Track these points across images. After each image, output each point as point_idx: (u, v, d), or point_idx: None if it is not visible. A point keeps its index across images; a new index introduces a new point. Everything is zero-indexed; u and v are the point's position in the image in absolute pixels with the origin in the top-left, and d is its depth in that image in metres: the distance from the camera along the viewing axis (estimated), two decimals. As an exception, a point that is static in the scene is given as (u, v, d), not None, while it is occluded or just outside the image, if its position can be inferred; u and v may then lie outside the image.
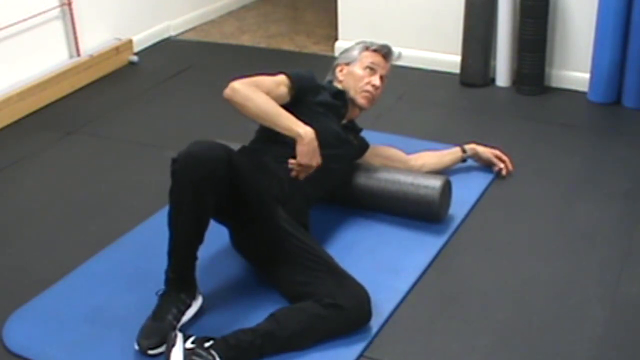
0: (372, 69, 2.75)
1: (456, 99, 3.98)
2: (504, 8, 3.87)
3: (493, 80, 4.05)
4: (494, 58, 4.02)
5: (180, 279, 2.22)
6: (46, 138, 3.58)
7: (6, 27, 3.77)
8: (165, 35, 4.92)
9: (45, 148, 3.50)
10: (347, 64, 2.79)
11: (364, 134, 2.88)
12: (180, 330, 2.14)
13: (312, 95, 2.63)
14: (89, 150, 3.49)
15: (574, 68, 3.92)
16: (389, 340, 2.20)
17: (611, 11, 3.61)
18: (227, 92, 2.44)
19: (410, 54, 4.07)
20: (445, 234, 2.70)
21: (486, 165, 3.11)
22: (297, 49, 4.74)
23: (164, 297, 2.21)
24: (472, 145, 3.09)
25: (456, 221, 2.77)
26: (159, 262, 2.23)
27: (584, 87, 3.87)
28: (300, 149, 2.37)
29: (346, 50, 2.86)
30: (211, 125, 3.63)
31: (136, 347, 2.14)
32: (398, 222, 2.75)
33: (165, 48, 4.79)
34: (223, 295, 2.39)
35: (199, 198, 2.13)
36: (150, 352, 2.11)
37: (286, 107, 2.48)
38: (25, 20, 3.87)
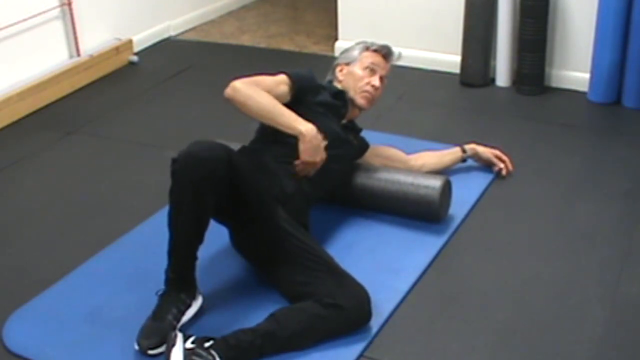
0: (372, 70, 2.75)
1: (456, 99, 3.98)
2: (504, 8, 3.87)
3: (493, 80, 4.05)
4: (494, 58, 4.02)
5: (180, 279, 2.22)
6: (46, 138, 3.58)
7: (6, 27, 3.77)
8: (165, 35, 4.92)
9: (45, 148, 3.50)
10: (347, 64, 2.79)
11: (364, 134, 2.88)
12: (180, 330, 2.14)
13: (312, 95, 2.63)
14: (89, 150, 3.49)
15: (574, 68, 3.92)
16: (389, 340, 2.20)
17: (611, 11, 3.61)
18: (228, 91, 2.45)
19: (410, 54, 4.07)
20: (445, 234, 2.70)
21: (486, 165, 3.11)
22: (297, 49, 4.74)
23: (164, 297, 2.21)
24: (472, 145, 3.09)
25: (456, 221, 2.77)
26: (159, 262, 2.23)
27: (584, 87, 3.87)
28: (302, 147, 2.38)
29: (346, 50, 2.86)
30: (211, 125, 3.63)
31: (136, 347, 2.14)
32: (398, 222, 2.75)
33: (165, 48, 4.79)
34: (223, 295, 2.39)
35: (199, 198, 2.13)
36: (150, 352, 2.11)
37: (286, 106, 2.48)
38: (25, 20, 3.87)
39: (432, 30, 4.18)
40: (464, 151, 3.07)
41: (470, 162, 3.11)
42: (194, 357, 1.99)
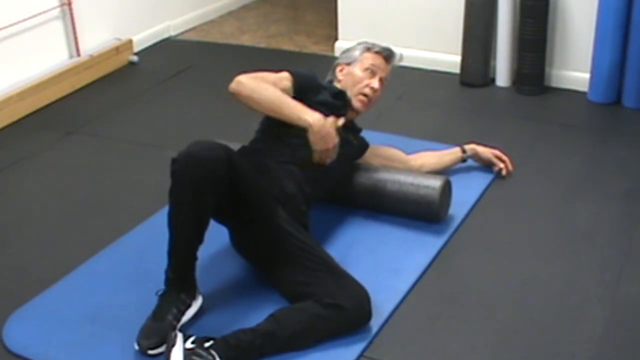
0: (372, 71, 2.74)
1: (456, 99, 3.98)
2: (504, 8, 3.87)
3: (493, 80, 4.05)
4: (494, 58, 4.02)
5: (180, 279, 2.22)
6: (46, 138, 3.58)
7: (6, 27, 3.77)
8: (165, 35, 4.92)
9: (45, 148, 3.50)
10: (348, 64, 2.79)
11: (364, 134, 2.88)
12: (180, 330, 2.14)
13: (313, 94, 2.63)
14: (89, 150, 3.49)
15: (574, 68, 3.92)
16: (389, 340, 2.20)
17: (611, 11, 3.61)
18: (233, 85, 2.44)
19: (410, 54, 4.06)
20: (445, 234, 2.70)
21: (486, 165, 3.11)
22: (297, 49, 4.74)
23: (164, 297, 2.21)
24: (472, 146, 3.09)
25: (456, 221, 2.77)
26: (159, 262, 2.23)
27: (584, 87, 3.87)
28: (312, 137, 2.37)
29: (347, 50, 2.86)
30: (211, 125, 3.63)
31: (136, 347, 2.14)
32: (398, 222, 2.75)
33: (165, 48, 4.79)
34: (223, 295, 2.39)
35: (199, 198, 2.13)
36: (150, 352, 2.11)
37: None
38: (25, 20, 3.87)
39: (432, 30, 4.18)
40: (463, 151, 3.07)
41: (470, 162, 3.11)
42: (194, 357, 1.99)
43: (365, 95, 2.71)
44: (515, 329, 2.25)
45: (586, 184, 3.06)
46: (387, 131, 3.37)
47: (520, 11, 3.82)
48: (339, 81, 2.77)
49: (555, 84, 3.99)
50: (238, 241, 2.47)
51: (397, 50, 2.85)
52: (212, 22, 5.31)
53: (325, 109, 2.63)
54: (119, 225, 2.79)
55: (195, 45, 4.87)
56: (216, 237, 2.42)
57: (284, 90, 2.52)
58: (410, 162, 2.95)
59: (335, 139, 2.40)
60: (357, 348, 2.16)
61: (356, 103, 2.72)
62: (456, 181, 2.82)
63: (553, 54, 3.95)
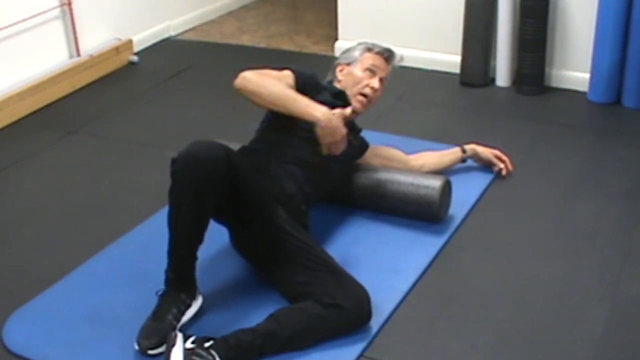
0: (372, 71, 2.74)
1: (456, 99, 3.98)
2: (504, 8, 3.87)
3: (493, 80, 4.05)
4: (494, 58, 4.02)
5: (180, 279, 2.22)
6: (46, 138, 3.59)
7: (6, 27, 3.77)
8: (165, 35, 4.92)
9: (45, 148, 3.50)
10: (348, 64, 2.79)
11: (364, 134, 2.88)
12: (180, 330, 2.14)
13: (313, 94, 2.62)
14: (89, 150, 3.49)
15: (574, 68, 3.93)
16: (389, 340, 2.20)
17: (611, 11, 3.61)
18: (239, 81, 2.42)
19: (410, 54, 4.05)
20: (445, 234, 2.70)
21: (486, 166, 3.11)
22: (297, 49, 4.74)
23: (164, 297, 2.21)
24: (472, 146, 3.09)
25: (456, 221, 2.77)
26: (159, 262, 2.23)
27: (584, 87, 3.87)
28: (319, 132, 2.35)
29: (348, 50, 2.86)
30: (211, 125, 3.63)
31: (136, 347, 2.14)
32: (398, 222, 2.75)
33: (165, 48, 4.79)
34: (223, 295, 2.39)
35: (199, 198, 2.13)
36: (150, 352, 2.11)
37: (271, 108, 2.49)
38: (25, 20, 3.87)
39: (432, 30, 4.18)
40: (463, 151, 3.07)
41: (470, 162, 3.11)
42: (194, 357, 1.99)
43: (365, 95, 2.71)
44: (515, 329, 2.25)
45: (586, 184, 3.06)
46: (387, 131, 3.37)
47: (520, 11, 3.82)
48: (339, 81, 2.77)
49: (555, 84, 3.99)
50: (238, 241, 2.47)
51: (397, 50, 2.85)
52: (212, 22, 5.31)
53: (326, 109, 2.64)
54: (119, 225, 2.79)
55: (195, 45, 4.87)
56: (216, 237, 2.42)
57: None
58: (411, 162, 2.95)
59: (343, 131, 2.37)
60: (357, 348, 2.16)
61: (355, 103, 2.71)
62: (456, 181, 2.82)
63: (553, 54, 3.95)
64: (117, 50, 4.39)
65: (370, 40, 2.90)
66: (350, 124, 2.79)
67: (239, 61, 4.53)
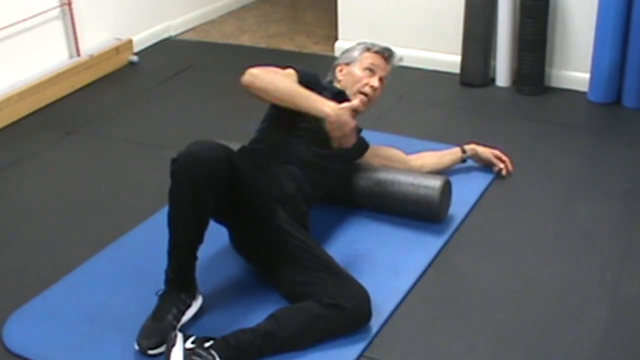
0: (371, 71, 2.74)
1: (456, 99, 3.98)
2: (504, 8, 3.87)
3: (493, 80, 4.05)
4: (494, 58, 4.02)
5: (180, 279, 2.22)
6: (46, 138, 3.59)
7: (6, 27, 3.77)
8: (165, 35, 4.92)
9: (45, 148, 3.50)
10: (347, 64, 2.79)
11: (364, 134, 2.87)
12: (180, 330, 2.14)
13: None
14: (89, 150, 3.49)
15: (574, 68, 3.93)
16: (389, 340, 2.20)
17: (611, 11, 3.61)
18: (246, 78, 2.41)
19: (410, 54, 4.06)
20: (445, 234, 2.70)
21: (486, 166, 3.11)
22: (297, 49, 4.74)
23: (164, 297, 2.21)
24: (472, 146, 3.09)
25: (456, 221, 2.77)
26: (159, 262, 2.23)
27: (584, 87, 3.87)
28: (328, 127, 2.34)
29: (347, 51, 2.86)
30: (211, 125, 3.63)
31: (136, 347, 2.14)
32: (398, 222, 2.75)
33: (165, 48, 4.79)
34: (223, 295, 2.39)
35: (199, 198, 2.13)
36: (150, 352, 2.11)
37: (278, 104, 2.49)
38: (25, 20, 3.87)
39: (432, 30, 4.18)
40: (463, 151, 3.07)
41: (470, 162, 3.11)
42: (194, 357, 1.99)
43: (365, 94, 2.71)
44: (515, 329, 2.25)
45: (586, 184, 3.06)
46: (387, 131, 3.37)
47: (520, 11, 3.82)
48: (339, 81, 2.77)
49: (555, 84, 3.99)
50: (238, 241, 2.47)
51: (397, 51, 2.85)
52: (212, 22, 5.31)
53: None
54: (119, 225, 2.79)
55: (195, 45, 4.87)
56: (216, 237, 2.42)
57: None
58: (410, 162, 2.95)
59: (352, 124, 2.36)
60: (357, 348, 2.16)
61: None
62: (456, 181, 2.82)
63: (553, 54, 3.95)
64: (117, 50, 4.39)
65: (370, 40, 2.90)
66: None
67: (239, 61, 4.52)
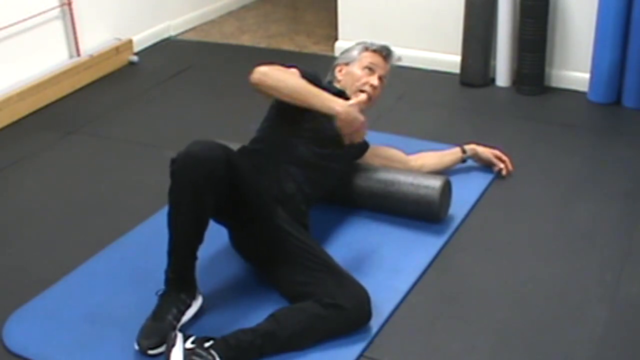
0: (370, 69, 2.74)
1: (456, 99, 3.98)
2: (504, 8, 3.87)
3: (493, 80, 4.05)
4: (494, 58, 4.02)
5: (180, 279, 2.22)
6: (46, 138, 3.59)
7: (6, 27, 3.77)
8: (165, 35, 4.92)
9: (45, 148, 3.50)
10: (347, 64, 2.79)
11: (364, 134, 2.87)
12: (180, 330, 2.14)
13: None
14: (89, 150, 3.49)
15: (574, 68, 3.93)
16: (389, 340, 2.20)
17: (611, 11, 3.61)
18: (256, 76, 2.42)
19: (410, 54, 4.07)
20: (445, 234, 2.70)
21: (486, 166, 3.11)
22: (297, 49, 4.74)
23: (164, 297, 2.21)
24: (472, 146, 3.09)
25: (456, 221, 2.77)
26: (159, 262, 2.23)
27: (584, 87, 3.87)
28: (339, 124, 2.36)
29: (346, 51, 2.86)
30: (211, 125, 3.63)
31: (136, 347, 2.14)
32: (398, 222, 2.75)
33: (165, 48, 4.79)
34: (223, 295, 2.39)
35: (198, 198, 2.12)
36: (150, 352, 2.11)
37: (286, 103, 2.49)
38: (25, 20, 3.87)
39: (432, 30, 4.18)
40: (463, 151, 3.07)
41: (470, 162, 3.11)
42: (194, 357, 1.99)
43: (365, 92, 2.71)
44: (515, 329, 2.25)
45: (586, 184, 3.06)
46: (387, 131, 3.36)
47: (520, 11, 3.82)
48: (339, 81, 2.77)
49: (555, 84, 3.99)
50: (238, 241, 2.47)
51: (396, 50, 2.86)
52: (212, 22, 5.31)
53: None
54: (119, 225, 2.79)
55: (195, 45, 4.87)
56: (216, 237, 2.42)
57: None
58: (411, 162, 2.95)
59: (361, 119, 2.39)
60: (357, 348, 2.16)
61: (356, 100, 2.72)
62: (456, 181, 2.82)
63: (553, 54, 3.95)
64: (117, 50, 4.39)
65: (370, 39, 2.90)
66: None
67: (239, 61, 4.55)
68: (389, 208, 2.76)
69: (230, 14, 5.50)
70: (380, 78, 2.75)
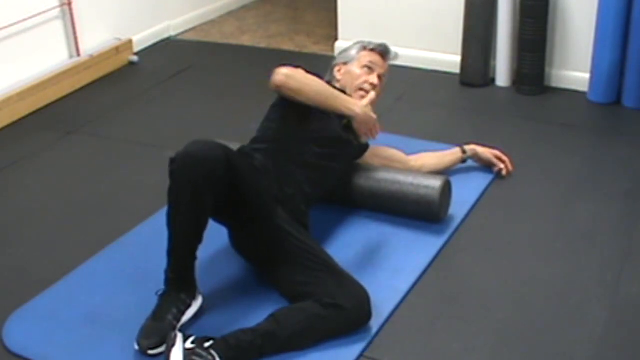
0: (369, 68, 2.75)
1: (456, 99, 3.98)
2: (504, 8, 3.87)
3: (493, 80, 4.05)
4: (494, 58, 4.02)
5: (180, 278, 2.22)
6: (46, 138, 3.58)
7: (6, 27, 3.77)
8: (165, 35, 4.92)
9: (45, 148, 3.50)
10: (345, 63, 2.79)
11: (364, 134, 2.88)
12: (180, 330, 2.14)
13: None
14: (89, 150, 3.49)
15: (574, 68, 3.92)
16: (389, 340, 2.20)
17: (611, 11, 3.61)
18: (279, 78, 2.45)
19: (410, 54, 4.07)
20: (445, 234, 2.70)
21: (486, 166, 3.10)
22: (297, 49, 4.74)
23: (164, 297, 2.20)
24: (472, 146, 3.09)
25: (456, 221, 2.77)
26: (159, 262, 2.23)
27: (584, 87, 3.87)
28: (356, 125, 2.50)
29: (344, 50, 2.87)
30: (211, 125, 3.63)
31: (136, 347, 2.14)
32: (398, 222, 2.75)
33: (165, 48, 4.79)
34: (223, 295, 2.39)
35: (198, 198, 2.12)
36: (150, 352, 2.11)
37: (288, 102, 2.49)
38: (25, 20, 3.87)
39: (432, 30, 4.18)
40: (463, 152, 3.07)
41: (470, 162, 3.11)
42: (194, 357, 1.99)
43: (364, 90, 2.71)
44: (515, 329, 2.25)
45: (586, 184, 3.06)
46: (387, 131, 3.33)
47: (520, 11, 3.82)
48: (338, 81, 2.78)
49: (555, 84, 3.99)
50: (238, 241, 2.47)
51: (396, 50, 2.86)
52: (212, 22, 5.31)
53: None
54: (119, 225, 2.79)
55: (195, 45, 4.87)
56: (216, 237, 2.42)
57: None
58: (410, 162, 2.95)
59: (374, 117, 2.52)
60: (357, 348, 2.16)
61: (357, 100, 2.72)
62: (456, 181, 2.82)
63: (553, 54, 3.95)
64: (117, 50, 4.39)
65: (369, 39, 2.90)
66: (351, 124, 2.79)
67: (239, 61, 4.55)
68: (389, 208, 2.76)
69: (230, 14, 5.50)
70: (379, 76, 2.76)
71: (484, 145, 3.11)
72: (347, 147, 2.69)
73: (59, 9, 4.10)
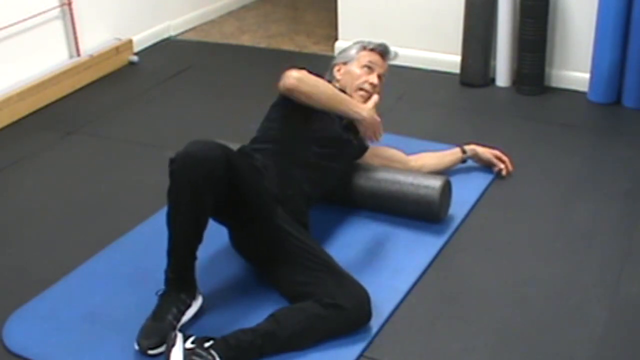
0: (369, 68, 2.75)
1: (456, 99, 3.98)
2: (504, 8, 3.87)
3: (493, 80, 4.05)
4: (494, 58, 4.02)
5: (179, 278, 2.22)
6: (46, 138, 3.58)
7: (6, 27, 3.77)
8: (165, 35, 4.92)
9: (45, 148, 3.50)
10: (345, 63, 2.80)
11: (364, 134, 2.87)
12: (180, 330, 2.14)
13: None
14: (89, 150, 3.49)
15: (574, 68, 3.92)
16: (389, 340, 2.20)
17: (611, 11, 3.61)
18: (290, 81, 2.45)
19: (410, 54, 4.07)
20: (445, 234, 2.70)
21: (486, 166, 3.10)
22: (297, 49, 4.74)
23: (164, 297, 2.20)
24: (472, 146, 3.09)
25: (456, 221, 2.77)
26: (159, 262, 2.23)
27: (584, 87, 3.87)
28: (361, 128, 2.54)
29: (344, 50, 2.87)
30: (211, 125, 3.63)
31: (136, 347, 2.14)
32: (398, 222, 2.75)
33: (165, 48, 4.79)
34: (223, 295, 2.39)
35: (198, 198, 2.12)
36: (150, 352, 2.11)
37: (289, 102, 2.49)
38: (25, 20, 3.87)
39: (432, 30, 4.18)
40: (463, 152, 3.07)
41: (470, 163, 3.11)
42: (194, 357, 1.99)
43: (364, 90, 2.71)
44: (515, 329, 2.25)
45: (586, 184, 3.06)
46: (387, 131, 3.32)
47: (520, 11, 3.82)
48: (338, 81, 2.78)
49: (555, 84, 3.99)
50: (238, 241, 2.47)
51: (396, 50, 2.86)
52: (212, 22, 5.31)
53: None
54: (119, 225, 2.79)
55: (195, 45, 4.87)
56: (216, 237, 2.42)
57: None
58: (410, 162, 2.95)
59: (378, 119, 2.56)
60: (357, 348, 2.16)
61: (357, 99, 2.72)
62: (456, 181, 2.82)
63: (553, 54, 3.95)
64: (117, 50, 4.39)
65: (369, 39, 2.90)
66: (351, 124, 2.79)
67: (239, 61, 4.55)
68: (389, 208, 2.76)
69: (230, 14, 5.50)
70: (379, 76, 2.76)
71: (484, 145, 3.11)
72: (347, 147, 2.69)
73: (59, 9, 4.10)
